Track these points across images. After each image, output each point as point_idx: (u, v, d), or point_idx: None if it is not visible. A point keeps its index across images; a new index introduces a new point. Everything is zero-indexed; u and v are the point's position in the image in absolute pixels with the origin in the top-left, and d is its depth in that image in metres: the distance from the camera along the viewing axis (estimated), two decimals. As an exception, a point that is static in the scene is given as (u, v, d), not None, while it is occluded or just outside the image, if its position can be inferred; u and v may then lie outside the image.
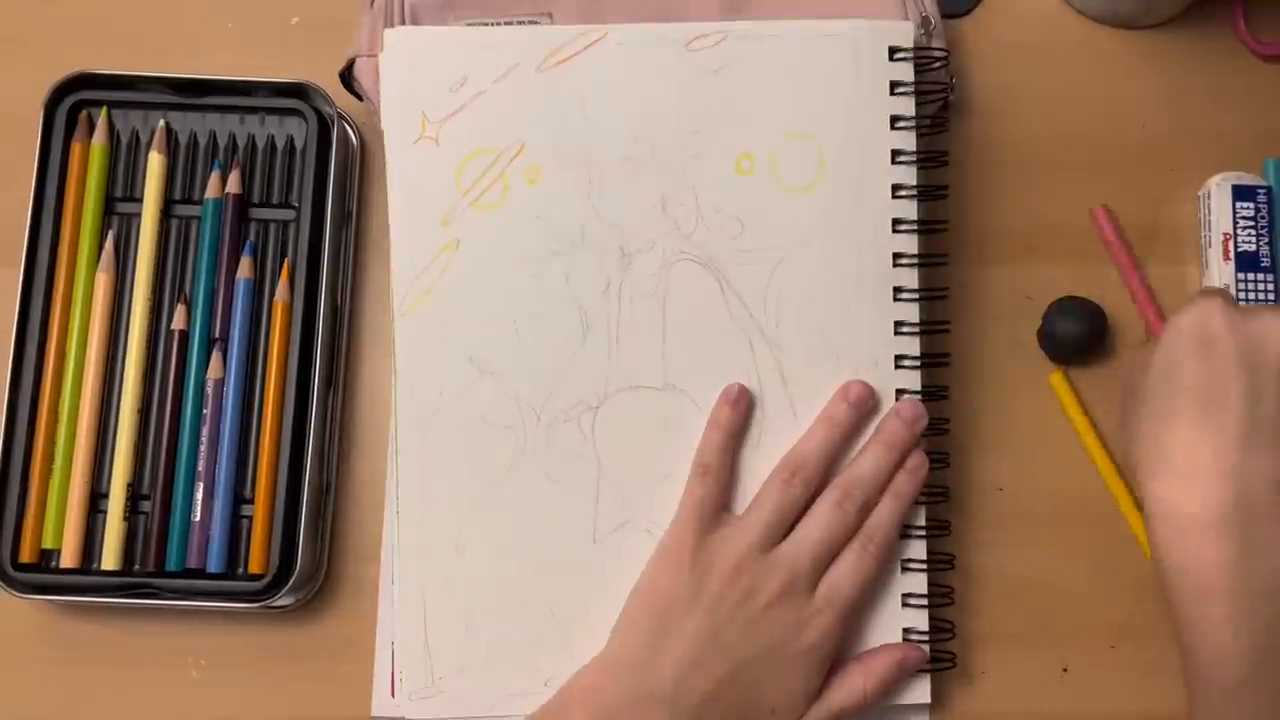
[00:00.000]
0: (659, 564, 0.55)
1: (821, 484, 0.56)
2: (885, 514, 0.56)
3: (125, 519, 0.59)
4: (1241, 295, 0.62)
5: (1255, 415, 0.50)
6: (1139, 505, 0.61)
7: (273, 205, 0.62)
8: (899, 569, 0.57)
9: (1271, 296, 0.62)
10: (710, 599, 0.53)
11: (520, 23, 0.61)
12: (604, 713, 0.53)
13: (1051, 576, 0.61)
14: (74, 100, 0.61)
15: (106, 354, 0.60)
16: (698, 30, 0.59)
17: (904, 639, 0.57)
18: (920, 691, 0.57)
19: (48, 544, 0.59)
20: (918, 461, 0.57)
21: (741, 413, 0.56)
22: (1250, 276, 0.62)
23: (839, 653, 0.56)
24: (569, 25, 0.59)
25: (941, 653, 0.58)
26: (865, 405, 0.57)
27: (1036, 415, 0.63)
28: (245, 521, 0.59)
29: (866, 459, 0.56)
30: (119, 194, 0.62)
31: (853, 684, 0.56)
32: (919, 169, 0.58)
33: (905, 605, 0.57)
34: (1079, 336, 0.61)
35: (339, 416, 0.62)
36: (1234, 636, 0.49)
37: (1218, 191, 0.62)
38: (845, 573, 0.55)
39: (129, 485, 0.59)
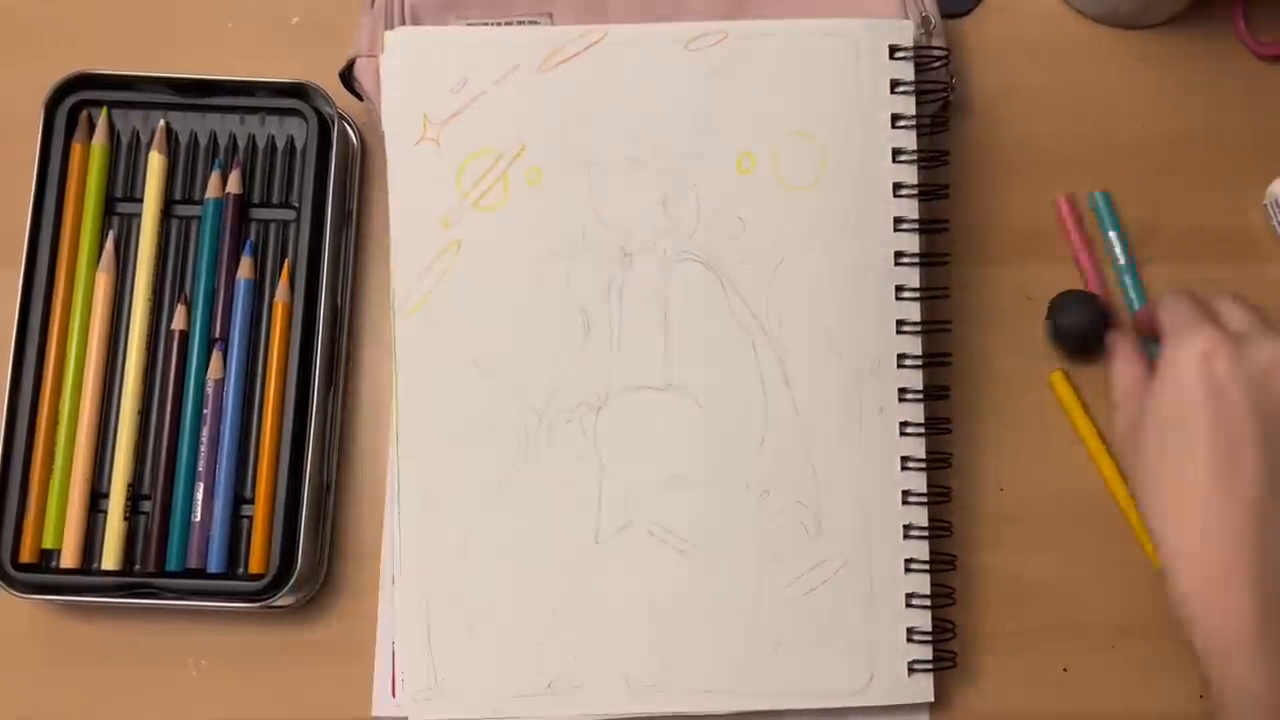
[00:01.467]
0: None
1: None
2: None
3: (125, 519, 0.59)
4: None
5: (1272, 462, 0.50)
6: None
7: (273, 205, 0.62)
8: (903, 568, 0.57)
9: None
10: None
11: (521, 23, 0.61)
12: None
13: (1051, 576, 0.61)
14: (74, 100, 0.61)
15: (106, 354, 0.60)
16: (698, 30, 0.59)
17: (908, 640, 0.57)
18: (922, 690, 0.57)
19: (48, 544, 0.59)
20: None
21: None
22: None
23: None
24: (569, 25, 0.59)
25: (942, 652, 0.58)
26: None
27: (1036, 415, 0.63)
28: (245, 521, 0.59)
29: None
30: (119, 194, 0.62)
31: None
32: (920, 169, 0.58)
33: (909, 605, 0.57)
34: (1086, 326, 0.61)
35: (339, 416, 0.62)
36: (1265, 684, 0.49)
37: None
38: None
39: (129, 485, 0.59)
